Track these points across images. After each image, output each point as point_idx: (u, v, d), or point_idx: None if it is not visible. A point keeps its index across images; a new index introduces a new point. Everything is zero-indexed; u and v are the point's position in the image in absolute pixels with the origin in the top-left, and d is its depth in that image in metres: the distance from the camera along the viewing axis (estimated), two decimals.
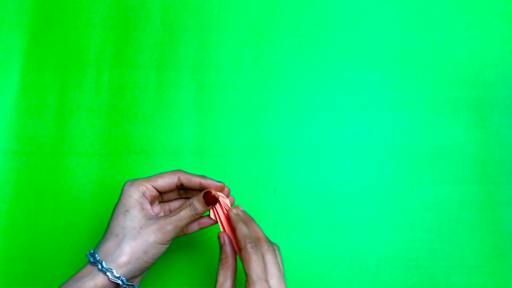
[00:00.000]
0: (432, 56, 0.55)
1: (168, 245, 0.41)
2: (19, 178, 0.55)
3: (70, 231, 0.53)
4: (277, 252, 0.40)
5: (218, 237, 0.42)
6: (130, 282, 0.39)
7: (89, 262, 0.38)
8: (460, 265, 0.51)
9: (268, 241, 0.40)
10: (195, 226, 0.45)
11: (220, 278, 0.39)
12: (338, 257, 0.51)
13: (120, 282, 0.37)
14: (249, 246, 0.38)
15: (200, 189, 0.43)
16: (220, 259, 0.40)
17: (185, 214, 0.41)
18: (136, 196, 0.40)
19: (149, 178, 0.42)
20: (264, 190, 0.53)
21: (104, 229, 0.53)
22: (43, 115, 0.56)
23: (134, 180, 0.42)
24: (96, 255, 0.38)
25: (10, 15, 0.58)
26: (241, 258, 0.39)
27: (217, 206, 0.43)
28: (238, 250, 0.41)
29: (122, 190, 0.41)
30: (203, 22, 0.58)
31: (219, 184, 0.43)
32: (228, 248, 0.41)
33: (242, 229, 0.40)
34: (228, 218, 0.42)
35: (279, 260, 0.40)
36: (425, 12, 0.56)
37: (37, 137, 0.56)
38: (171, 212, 0.43)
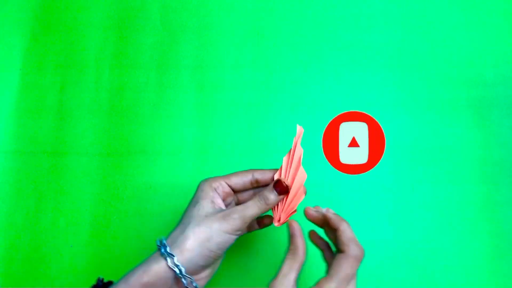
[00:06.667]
0: (432, 56, 0.55)
1: (234, 236, 0.38)
2: (19, 178, 0.55)
3: (70, 231, 0.53)
4: None
5: (290, 225, 0.39)
6: (189, 276, 0.37)
7: (157, 247, 0.38)
8: (460, 265, 0.51)
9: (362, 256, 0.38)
10: (255, 225, 0.43)
11: (285, 268, 0.37)
12: None
13: (177, 270, 0.36)
14: (353, 250, 0.36)
15: None
16: (289, 249, 0.38)
17: (252, 203, 0.39)
18: (207, 190, 0.40)
19: (222, 176, 0.41)
20: None
21: (103, 228, 0.54)
22: (43, 115, 0.56)
23: (208, 178, 0.41)
24: (164, 240, 0.38)
25: (10, 15, 0.58)
26: (330, 256, 0.40)
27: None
28: (321, 244, 0.42)
29: (197, 187, 0.41)
30: (203, 22, 0.58)
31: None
32: (299, 240, 0.38)
33: (347, 231, 0.38)
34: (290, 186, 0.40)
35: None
36: (425, 12, 0.56)
37: (37, 137, 0.56)
38: None
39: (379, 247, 0.51)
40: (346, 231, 0.38)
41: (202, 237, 0.37)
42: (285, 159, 0.41)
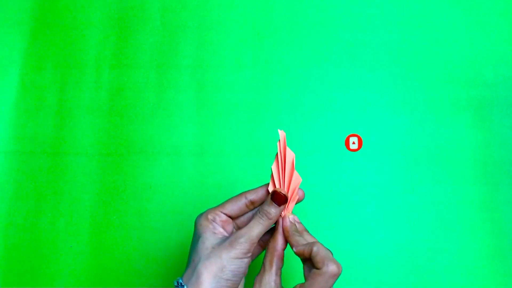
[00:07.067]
0: (432, 56, 0.55)
1: (247, 260, 0.38)
2: (19, 178, 0.55)
3: (70, 231, 0.53)
4: None
5: (278, 223, 0.40)
6: None
7: None
8: (460, 265, 0.51)
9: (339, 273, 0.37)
10: (258, 248, 0.42)
11: (266, 263, 0.38)
12: (338, 257, 0.51)
13: None
14: (328, 266, 0.36)
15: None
16: (269, 241, 0.40)
17: (255, 222, 0.39)
18: (205, 223, 0.39)
19: (216, 206, 0.40)
20: None
21: (103, 228, 0.54)
22: (43, 115, 0.56)
23: (202, 213, 0.40)
24: (181, 280, 0.37)
25: (10, 15, 0.58)
26: (308, 270, 0.37)
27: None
28: (299, 253, 0.38)
29: (194, 224, 0.40)
30: (203, 22, 0.58)
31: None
32: (278, 235, 0.39)
33: (321, 250, 0.37)
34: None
35: None
36: (425, 12, 0.56)
37: (37, 137, 0.56)
38: None
39: (379, 248, 0.51)
40: (320, 251, 0.37)
41: (214, 269, 0.36)
42: (274, 167, 0.40)
